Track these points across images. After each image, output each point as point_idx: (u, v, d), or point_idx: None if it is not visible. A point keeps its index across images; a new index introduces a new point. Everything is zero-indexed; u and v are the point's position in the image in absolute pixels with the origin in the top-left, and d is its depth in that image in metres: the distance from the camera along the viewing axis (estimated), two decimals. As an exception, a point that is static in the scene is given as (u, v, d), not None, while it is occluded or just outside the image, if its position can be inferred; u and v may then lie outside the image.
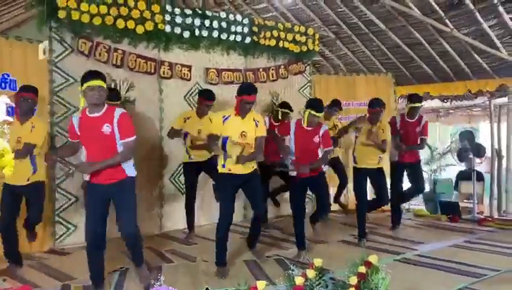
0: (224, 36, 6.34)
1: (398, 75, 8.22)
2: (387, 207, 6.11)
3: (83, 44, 5.34)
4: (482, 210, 7.99)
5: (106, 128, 3.46)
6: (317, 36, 7.43)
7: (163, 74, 5.97)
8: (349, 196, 7.12)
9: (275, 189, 6.41)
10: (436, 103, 9.17)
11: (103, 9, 5.30)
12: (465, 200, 8.63)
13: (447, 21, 6.92)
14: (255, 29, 6.66)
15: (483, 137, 8.76)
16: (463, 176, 8.62)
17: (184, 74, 6.14)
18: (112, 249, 4.83)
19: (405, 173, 5.92)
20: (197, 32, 6.09)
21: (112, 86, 5.52)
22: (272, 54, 6.97)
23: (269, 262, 4.57)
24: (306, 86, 7.41)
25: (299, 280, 2.66)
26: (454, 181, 9.44)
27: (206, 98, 5.39)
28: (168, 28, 5.84)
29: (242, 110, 4.16)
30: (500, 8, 6.39)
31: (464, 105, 9.48)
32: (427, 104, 8.79)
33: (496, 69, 7.43)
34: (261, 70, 6.87)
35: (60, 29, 5.18)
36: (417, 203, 8.38)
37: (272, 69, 7.00)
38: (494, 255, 4.81)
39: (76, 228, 5.21)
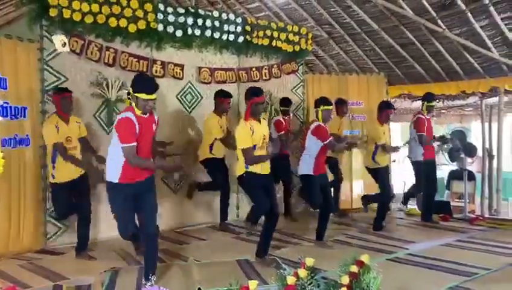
0: (217, 35, 6.32)
1: (390, 75, 8.25)
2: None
3: (74, 43, 5.31)
4: (473, 209, 8.03)
5: (154, 127, 3.88)
6: (310, 35, 7.45)
7: (156, 72, 5.94)
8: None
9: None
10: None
11: (95, 7, 5.28)
12: (456, 200, 8.68)
13: (439, 21, 6.94)
14: (248, 28, 6.66)
15: (475, 137, 8.81)
16: (454, 176, 8.67)
17: (176, 72, 6.12)
18: (104, 250, 4.85)
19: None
20: (189, 31, 6.07)
21: (104, 84, 5.51)
22: (265, 53, 6.97)
23: (261, 261, 4.57)
24: (299, 86, 7.43)
25: (290, 280, 2.66)
26: (445, 180, 9.50)
27: (228, 97, 5.85)
28: (160, 27, 5.82)
29: (257, 114, 4.37)
30: (492, 9, 6.42)
31: (456, 105, 9.52)
32: (418, 104, 8.83)
33: (487, 69, 7.47)
34: (254, 69, 6.86)
35: (51, 27, 5.15)
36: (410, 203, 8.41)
37: (265, 69, 7.00)
38: (485, 254, 4.84)
39: (67, 227, 5.18)
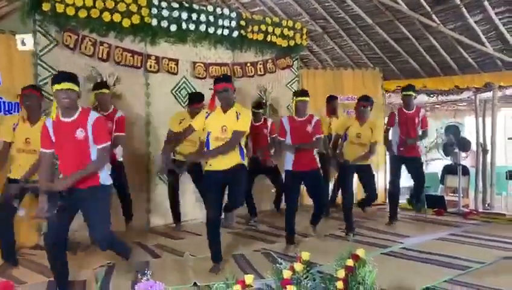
0: (211, 30, 6.30)
1: (385, 70, 8.26)
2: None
3: (68, 37, 5.27)
4: (467, 204, 8.09)
5: (79, 134, 3.28)
6: (305, 30, 7.43)
7: (150, 67, 5.93)
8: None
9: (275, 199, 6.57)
10: (422, 98, 9.23)
11: (89, 2, 5.24)
12: (450, 194, 8.73)
13: (433, 16, 6.96)
14: (243, 23, 6.63)
15: (469, 131, 8.85)
16: (448, 170, 8.72)
17: (171, 67, 6.09)
18: (89, 248, 4.79)
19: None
20: (184, 25, 6.05)
21: (98, 80, 5.47)
22: (260, 48, 6.96)
23: (257, 256, 4.58)
24: (294, 81, 7.42)
25: (286, 274, 2.67)
26: (440, 175, 9.55)
27: (195, 102, 5.40)
28: (154, 22, 5.79)
29: (220, 102, 4.06)
30: (486, 3, 6.44)
31: (450, 100, 9.57)
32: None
33: (481, 64, 7.51)
34: (248, 64, 6.85)
35: (45, 22, 5.11)
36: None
37: (260, 64, 6.98)
38: (478, 247, 4.87)
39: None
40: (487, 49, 7.05)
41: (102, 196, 3.42)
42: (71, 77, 3.29)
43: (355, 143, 5.43)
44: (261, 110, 6.10)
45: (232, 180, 4.06)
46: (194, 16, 6.11)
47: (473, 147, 8.12)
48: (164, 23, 5.87)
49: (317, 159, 5.05)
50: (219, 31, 6.38)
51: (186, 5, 6.13)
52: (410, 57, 8.10)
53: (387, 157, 7.00)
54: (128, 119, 5.73)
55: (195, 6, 6.20)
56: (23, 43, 5.03)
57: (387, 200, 6.46)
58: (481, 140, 8.33)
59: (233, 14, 6.54)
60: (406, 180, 6.56)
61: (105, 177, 3.46)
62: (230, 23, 6.46)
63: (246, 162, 4.19)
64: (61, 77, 3.29)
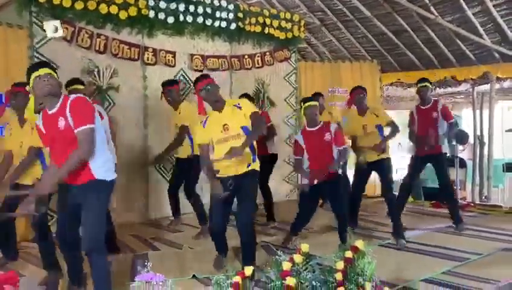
0: (209, 22, 6.27)
1: (382, 62, 8.26)
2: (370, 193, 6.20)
3: (64, 29, 5.21)
4: (464, 196, 8.12)
5: (60, 123, 2.86)
6: (302, 22, 7.42)
7: (147, 60, 5.90)
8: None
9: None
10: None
11: (85, -7, 5.20)
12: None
13: (431, 8, 6.94)
14: (241, 15, 6.61)
15: (466, 124, 8.87)
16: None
17: (168, 60, 6.07)
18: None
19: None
20: (181, 17, 6.01)
21: (95, 72, 5.45)
22: (258, 40, 6.94)
23: (257, 248, 4.57)
24: (292, 73, 7.41)
25: (286, 265, 2.67)
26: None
27: (167, 85, 5.17)
28: (151, 14, 5.76)
29: (209, 102, 3.75)
30: (484, -5, 6.44)
31: (447, 92, 9.57)
32: (411, 91, 8.87)
33: (478, 56, 7.51)
34: (246, 57, 6.82)
35: (41, 14, 5.07)
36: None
37: (258, 56, 6.96)
38: (476, 239, 4.89)
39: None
40: (485, 41, 7.05)
41: (95, 194, 2.94)
42: (48, 64, 3.03)
43: (363, 136, 5.13)
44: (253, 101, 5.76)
45: (240, 190, 3.71)
46: (192, 8, 6.07)
47: (470, 139, 8.14)
48: (161, 15, 5.84)
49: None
50: (217, 23, 6.35)
51: (184, -4, 6.09)
52: (408, 49, 8.09)
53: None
54: (126, 112, 5.74)
55: (193, -2, 6.17)
56: (56, 30, 4.95)
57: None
58: (478, 132, 8.35)
59: (231, 6, 6.51)
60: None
61: (99, 170, 2.95)
62: (228, 15, 6.43)
63: (257, 165, 3.81)
64: (37, 64, 3.04)
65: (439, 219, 5.91)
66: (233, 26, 6.51)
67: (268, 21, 6.91)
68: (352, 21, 8.14)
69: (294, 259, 2.73)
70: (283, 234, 4.95)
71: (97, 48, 5.49)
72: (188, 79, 6.25)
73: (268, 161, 5.59)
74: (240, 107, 3.71)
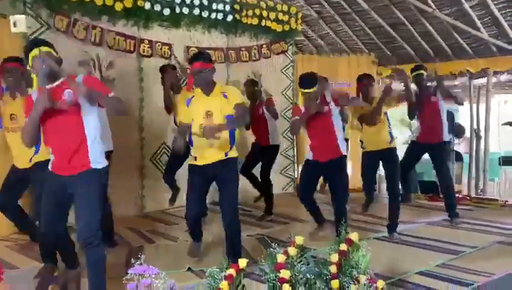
0: (205, 14, 6.23)
1: (380, 55, 8.24)
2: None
3: (59, 21, 5.19)
4: (460, 190, 8.12)
5: (68, 95, 2.68)
6: (300, 15, 7.39)
7: (143, 52, 5.88)
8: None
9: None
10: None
11: (80, -16, 5.16)
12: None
13: (429, 1, 6.91)
14: (237, 7, 6.57)
15: (463, 117, 8.86)
16: (442, 156, 8.72)
17: (164, 52, 6.04)
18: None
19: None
20: (177, 9, 5.97)
21: (91, 64, 5.41)
22: (254, 32, 6.91)
23: (251, 241, 4.59)
24: (288, 66, 7.39)
25: (280, 258, 2.67)
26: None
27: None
28: (147, 5, 5.71)
29: (199, 85, 3.58)
30: (482, -11, 6.42)
31: (444, 86, 9.53)
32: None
33: (476, 50, 7.50)
34: (243, 49, 6.80)
35: (35, 4, 5.01)
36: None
37: (254, 48, 6.94)
38: (471, 232, 4.90)
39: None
40: (482, 34, 7.03)
41: (92, 182, 2.85)
42: (48, 43, 2.96)
43: (372, 125, 4.89)
44: (255, 88, 5.71)
45: (221, 177, 3.64)
46: (188, 0, 6.02)
47: (467, 133, 8.14)
48: (157, 7, 5.79)
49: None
50: (213, 15, 6.30)
51: (180, -12, 6.05)
52: (405, 42, 8.07)
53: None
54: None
55: (189, -10, 6.12)
56: (15, 25, 4.92)
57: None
58: (475, 126, 8.34)
59: (228, -2, 6.47)
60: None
61: (97, 159, 2.89)
62: (224, 7, 6.39)
63: (235, 152, 3.71)
64: (36, 41, 3.03)
65: (435, 213, 5.91)
66: (229, 18, 6.47)
67: (265, 13, 6.87)
68: (349, 14, 8.10)
69: (289, 252, 2.73)
70: (279, 226, 4.95)
71: (93, 40, 5.45)
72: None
73: (271, 151, 5.58)
74: (225, 96, 3.57)
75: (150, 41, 5.92)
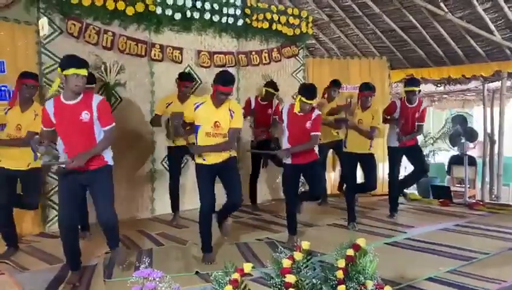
0: (216, 18, 6.25)
1: (392, 58, 8.18)
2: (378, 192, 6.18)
3: (72, 25, 5.26)
4: (473, 194, 8.02)
5: (85, 116, 3.38)
6: (310, 19, 7.37)
7: (154, 56, 5.91)
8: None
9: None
10: (429, 88, 9.14)
11: (92, -11, 5.22)
12: (457, 185, 8.67)
13: (441, 4, 6.85)
14: (248, 11, 6.58)
15: (476, 122, 8.77)
16: (455, 161, 8.65)
17: (175, 56, 6.07)
18: (99, 234, 4.82)
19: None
20: (188, 14, 6.00)
21: (102, 68, 5.47)
22: (265, 36, 6.91)
23: (260, 245, 4.59)
24: (299, 70, 7.37)
25: (286, 263, 2.66)
26: (446, 165, 9.48)
27: (183, 80, 5.31)
28: (159, 10, 5.75)
29: (217, 100, 3.96)
30: (495, -9, 6.35)
31: (458, 89, 9.46)
32: (420, 88, 8.76)
33: (489, 53, 7.41)
34: (253, 53, 6.80)
35: (49, 10, 5.10)
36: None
37: (265, 52, 6.94)
38: (483, 238, 4.83)
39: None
40: (496, 37, 6.94)
41: (109, 176, 3.59)
42: (86, 64, 3.41)
43: (355, 133, 5.39)
44: (272, 90, 6.07)
45: (226, 174, 4.15)
46: (199, 4, 6.05)
47: (481, 137, 8.04)
48: (168, 12, 5.82)
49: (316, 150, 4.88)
50: (224, 19, 6.32)
51: (191, -8, 6.08)
52: (417, 45, 8.00)
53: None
54: (132, 108, 5.77)
55: (200, -6, 6.15)
56: (42, 28, 5.01)
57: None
58: (489, 130, 8.24)
59: (238, 2, 6.47)
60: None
61: (110, 157, 3.60)
62: (235, 11, 6.40)
63: (235, 152, 4.25)
64: (81, 62, 3.37)
65: (446, 217, 5.86)
66: (240, 22, 6.49)
67: (275, 17, 6.87)
68: (360, 17, 8.07)
69: (295, 256, 2.71)
70: (287, 232, 4.93)
71: (104, 44, 5.51)
72: (195, 75, 6.25)
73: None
74: (232, 115, 4.01)
75: (161, 46, 5.95)
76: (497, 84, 7.97)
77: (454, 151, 8.13)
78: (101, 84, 5.49)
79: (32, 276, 3.73)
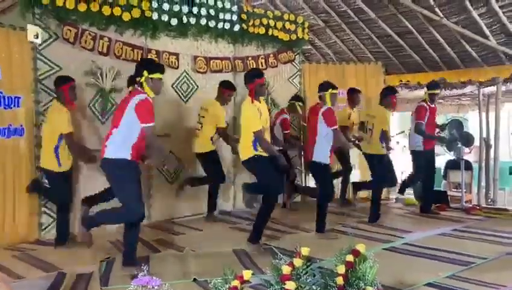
0: (212, 24, 6.24)
1: (387, 64, 8.21)
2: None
3: (67, 31, 5.23)
4: (470, 199, 8.02)
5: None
6: (306, 24, 7.39)
7: (151, 62, 5.88)
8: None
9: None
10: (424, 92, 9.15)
11: (88, -5, 5.20)
12: (453, 189, 8.67)
13: (436, 9, 6.89)
14: (244, 16, 6.59)
15: (472, 126, 8.79)
16: (451, 165, 8.65)
17: (171, 62, 6.05)
18: (100, 239, 4.80)
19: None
20: (184, 19, 5.99)
21: (98, 74, 5.44)
22: (261, 42, 6.92)
23: (259, 251, 4.55)
24: (296, 75, 7.38)
25: (286, 269, 2.64)
26: (442, 170, 9.48)
27: (230, 89, 5.77)
28: (155, 16, 5.73)
29: (259, 94, 4.50)
30: (490, -4, 6.38)
31: (453, 94, 9.49)
32: (416, 93, 8.79)
33: (484, 58, 7.45)
34: (250, 58, 6.80)
35: (44, 15, 5.07)
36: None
37: (261, 58, 6.94)
38: (481, 243, 4.83)
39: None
40: (491, 42, 6.98)
41: None
42: (164, 69, 4.06)
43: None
44: (295, 101, 6.66)
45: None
46: (195, 10, 6.05)
47: (476, 142, 8.05)
48: (164, 17, 5.81)
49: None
50: (220, 25, 6.32)
51: (187, -2, 6.07)
52: (412, 51, 8.04)
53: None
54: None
55: (196, 0, 6.13)
56: (36, 36, 4.99)
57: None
58: (485, 135, 8.26)
59: (235, 8, 6.48)
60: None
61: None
62: (231, 16, 6.41)
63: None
64: (160, 66, 3.98)
65: (443, 222, 5.85)
66: (236, 27, 6.49)
67: (272, 23, 6.88)
68: (356, 22, 8.10)
69: (294, 263, 2.69)
70: (288, 236, 4.92)
71: (100, 50, 5.48)
72: (191, 81, 6.24)
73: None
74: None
75: (157, 51, 5.93)
76: (493, 88, 8.00)
77: (451, 156, 8.12)
78: (97, 89, 5.46)
79: (29, 284, 3.68)
